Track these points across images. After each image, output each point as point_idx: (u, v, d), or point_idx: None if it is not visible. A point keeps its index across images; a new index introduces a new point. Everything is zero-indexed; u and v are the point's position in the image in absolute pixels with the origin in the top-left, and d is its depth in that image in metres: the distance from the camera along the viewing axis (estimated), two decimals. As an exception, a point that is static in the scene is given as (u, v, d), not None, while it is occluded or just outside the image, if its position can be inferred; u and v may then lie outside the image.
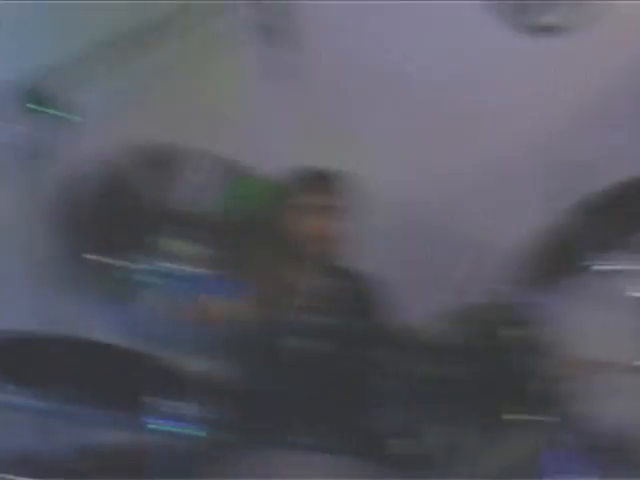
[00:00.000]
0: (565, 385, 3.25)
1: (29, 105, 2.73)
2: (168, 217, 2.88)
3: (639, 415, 3.29)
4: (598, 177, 3.42)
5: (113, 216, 2.92)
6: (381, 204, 4.06)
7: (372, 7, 4.16)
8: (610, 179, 3.76)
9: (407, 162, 4.15)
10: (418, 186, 4.14)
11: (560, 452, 3.40)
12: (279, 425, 2.73)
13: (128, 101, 3.92)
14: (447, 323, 2.76)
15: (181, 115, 3.98)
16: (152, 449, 2.75)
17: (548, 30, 4.23)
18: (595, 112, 4.24)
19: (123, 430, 3.69)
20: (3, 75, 3.34)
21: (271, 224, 3.55)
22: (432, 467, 2.59)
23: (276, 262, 3.32)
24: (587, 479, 3.27)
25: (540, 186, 3.56)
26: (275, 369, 2.77)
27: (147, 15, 3.30)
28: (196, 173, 2.89)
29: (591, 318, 4.17)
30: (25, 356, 2.98)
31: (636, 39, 4.25)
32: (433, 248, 4.16)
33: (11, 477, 3.07)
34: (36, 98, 2.75)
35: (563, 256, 3.48)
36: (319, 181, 3.68)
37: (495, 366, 2.81)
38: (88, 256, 2.81)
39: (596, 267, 3.20)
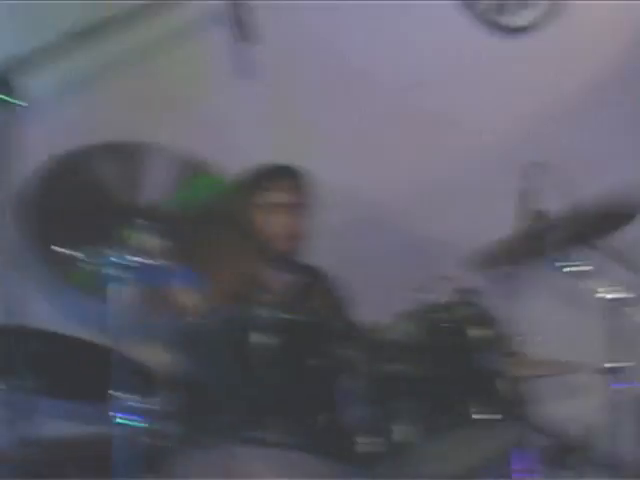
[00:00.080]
0: (530, 385, 3.28)
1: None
2: (131, 211, 2.85)
3: (606, 416, 3.31)
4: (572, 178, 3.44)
5: (75, 209, 2.90)
6: (339, 203, 4.08)
7: (343, 5, 4.15)
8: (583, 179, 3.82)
9: (369, 161, 4.16)
10: (380, 185, 4.15)
11: (525, 451, 3.44)
12: (242, 421, 2.72)
13: (91, 91, 3.91)
14: (410, 322, 2.76)
15: (143, 106, 3.97)
16: (118, 443, 2.73)
17: (521, 30, 4.25)
18: (567, 111, 4.28)
19: (89, 423, 3.71)
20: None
21: (231, 219, 3.54)
22: (398, 465, 2.59)
23: (238, 257, 3.32)
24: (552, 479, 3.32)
25: (508, 186, 3.57)
26: (238, 364, 2.76)
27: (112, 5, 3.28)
28: (157, 168, 2.87)
29: (559, 319, 4.23)
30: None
31: (605, 38, 4.29)
32: (393, 247, 4.19)
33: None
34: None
35: (529, 255, 3.51)
36: (285, 178, 3.69)
37: (459, 365, 2.82)
38: (54, 248, 2.79)
39: (564, 268, 3.21)
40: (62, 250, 2.80)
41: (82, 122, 3.88)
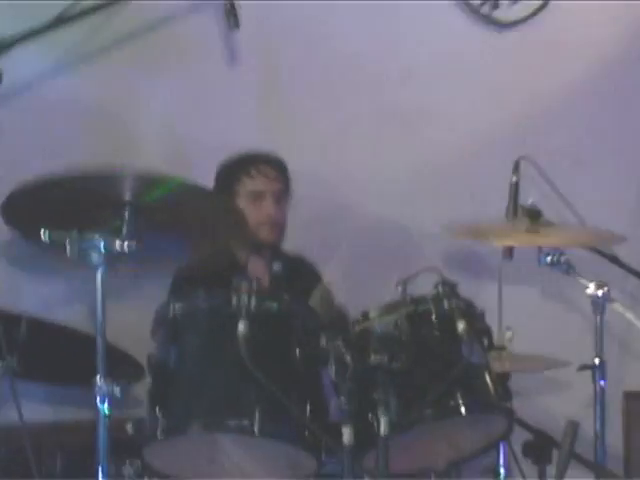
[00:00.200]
0: (515, 379, 3.29)
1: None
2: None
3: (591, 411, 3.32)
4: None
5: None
6: (323, 192, 4.08)
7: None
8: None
9: (355, 152, 4.15)
10: (365, 177, 4.15)
11: (505, 445, 3.45)
12: (225, 410, 2.72)
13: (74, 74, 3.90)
14: (394, 313, 2.76)
15: (129, 90, 3.97)
16: (101, 430, 2.73)
17: (515, 24, 4.24)
18: (559, 106, 4.27)
19: (73, 409, 3.71)
20: None
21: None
22: (382, 457, 2.59)
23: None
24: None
25: (498, 180, 3.57)
26: (221, 353, 2.75)
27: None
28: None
29: (547, 314, 4.23)
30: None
31: (598, 33, 4.28)
32: (379, 239, 4.19)
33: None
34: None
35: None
36: (267, 165, 3.68)
37: (444, 357, 2.82)
38: (43, 232, 2.78)
39: (553, 263, 3.21)
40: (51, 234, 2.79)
41: (63, 106, 3.86)
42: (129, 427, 2.85)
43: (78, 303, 3.75)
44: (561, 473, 3.12)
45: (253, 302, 2.70)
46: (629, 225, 4.01)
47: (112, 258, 2.76)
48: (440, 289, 2.85)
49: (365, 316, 2.77)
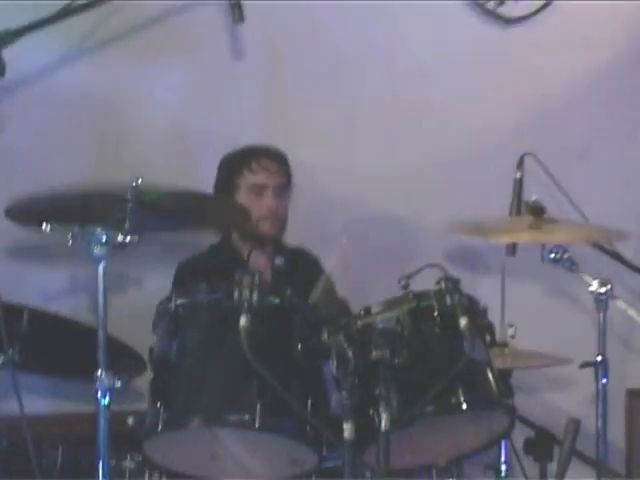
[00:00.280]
0: (517, 376, 3.28)
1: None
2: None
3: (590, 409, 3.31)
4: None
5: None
6: (327, 187, 4.08)
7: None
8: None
9: (358, 147, 4.15)
10: (369, 171, 4.14)
11: (507, 442, 3.45)
12: (226, 404, 2.72)
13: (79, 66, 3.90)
14: (397, 309, 2.75)
15: (133, 83, 3.96)
16: (101, 423, 2.73)
17: (520, 20, 4.23)
18: (565, 101, 4.27)
19: (74, 402, 3.72)
20: None
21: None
22: (383, 452, 2.59)
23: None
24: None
25: (503, 175, 3.56)
26: (223, 347, 2.75)
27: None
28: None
29: (550, 311, 4.22)
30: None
31: (603, 28, 4.27)
32: (382, 234, 4.18)
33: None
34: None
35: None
36: (269, 159, 3.68)
37: (446, 353, 2.81)
38: (44, 225, 2.78)
39: (557, 260, 3.20)
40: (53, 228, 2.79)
41: (67, 98, 3.86)
42: (130, 421, 2.85)
43: (80, 295, 3.76)
44: (562, 470, 3.12)
45: (255, 296, 2.69)
46: (633, 222, 3.99)
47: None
48: (443, 285, 2.84)
49: (367, 311, 2.76)
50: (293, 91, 4.08)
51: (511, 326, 3.54)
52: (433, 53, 4.15)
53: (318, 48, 4.07)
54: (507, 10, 4.22)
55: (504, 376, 2.93)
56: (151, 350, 2.84)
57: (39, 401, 3.71)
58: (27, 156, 3.80)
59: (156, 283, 3.78)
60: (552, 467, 3.36)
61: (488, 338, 2.91)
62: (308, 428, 2.72)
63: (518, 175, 3.50)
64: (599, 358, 3.27)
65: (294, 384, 2.72)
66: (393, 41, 4.13)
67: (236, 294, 2.70)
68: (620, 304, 3.22)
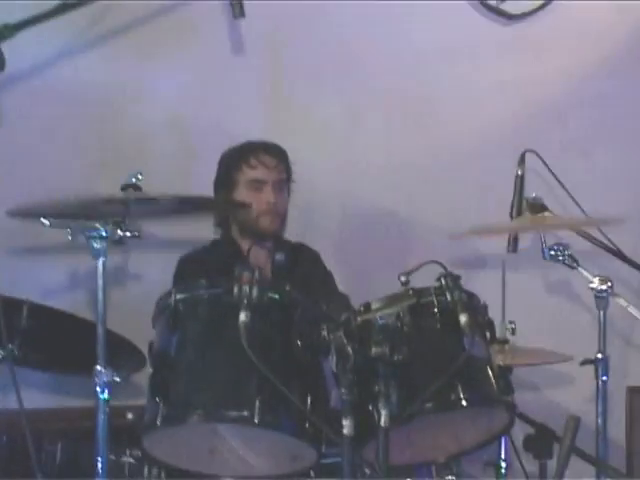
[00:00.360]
0: (517, 373, 3.28)
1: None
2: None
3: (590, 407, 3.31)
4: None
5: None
6: (327, 184, 4.08)
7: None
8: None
9: (359, 143, 4.14)
10: (370, 168, 4.14)
11: (507, 439, 3.45)
12: (225, 400, 2.71)
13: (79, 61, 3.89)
14: (397, 305, 2.75)
15: (133, 76, 3.96)
16: (101, 418, 2.73)
17: (522, 16, 4.23)
18: (566, 98, 4.26)
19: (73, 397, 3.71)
20: None
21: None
22: (382, 449, 2.58)
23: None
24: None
25: (504, 172, 3.55)
26: (222, 343, 2.74)
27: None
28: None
29: (550, 308, 4.22)
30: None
31: (606, 26, 4.27)
32: (382, 231, 4.18)
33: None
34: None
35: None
36: (268, 155, 3.68)
37: (446, 350, 2.81)
38: (42, 220, 2.78)
39: (557, 257, 3.20)
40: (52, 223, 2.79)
41: (67, 92, 3.86)
42: (129, 415, 2.85)
43: (80, 290, 3.76)
44: (562, 468, 3.11)
45: (254, 292, 2.69)
46: (634, 220, 3.98)
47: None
48: (443, 281, 2.83)
49: (367, 308, 2.75)
50: (294, 86, 4.07)
51: (511, 323, 3.54)
52: (435, 49, 4.15)
53: (319, 43, 4.06)
54: (509, 6, 4.22)
55: (504, 373, 2.92)
56: (150, 345, 2.83)
57: (38, 396, 3.72)
58: (27, 151, 3.80)
59: (155, 278, 3.78)
60: (552, 464, 3.35)
61: (488, 335, 2.90)
62: (307, 424, 2.71)
63: (519, 172, 3.49)
64: (599, 355, 3.28)
65: (293, 380, 2.71)
66: (394, 36, 4.13)
67: (236, 290, 2.70)
68: (620, 301, 3.21)
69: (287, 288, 2.79)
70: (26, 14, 2.83)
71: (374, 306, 2.76)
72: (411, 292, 2.79)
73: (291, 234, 3.80)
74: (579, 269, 3.20)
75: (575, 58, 4.24)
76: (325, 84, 4.09)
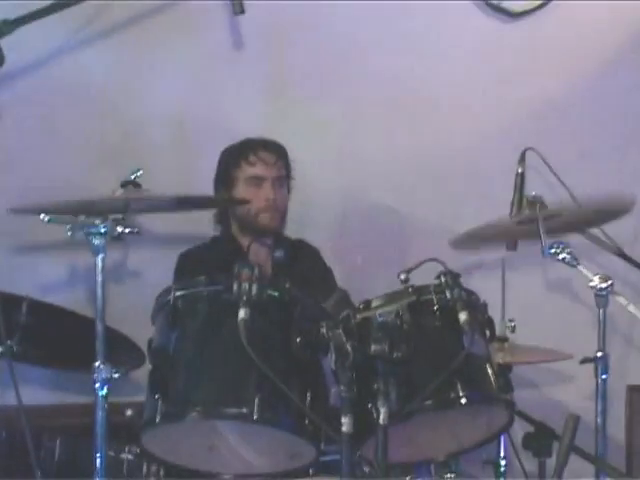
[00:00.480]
0: (517, 371, 3.27)
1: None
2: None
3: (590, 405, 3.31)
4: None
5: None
6: (328, 181, 4.07)
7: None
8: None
9: (360, 141, 4.14)
10: (370, 165, 4.13)
11: (506, 437, 3.44)
12: (224, 397, 2.71)
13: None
14: (397, 303, 2.74)
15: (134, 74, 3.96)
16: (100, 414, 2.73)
17: (524, 14, 4.23)
18: (567, 97, 4.26)
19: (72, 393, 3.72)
20: None
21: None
22: (382, 447, 2.58)
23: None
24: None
25: (504, 171, 3.55)
26: (222, 340, 2.74)
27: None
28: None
29: (549, 306, 4.22)
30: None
31: (607, 25, 4.26)
32: (383, 228, 4.17)
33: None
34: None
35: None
36: (267, 151, 3.68)
37: (446, 348, 2.81)
38: (42, 216, 2.78)
39: (557, 255, 3.19)
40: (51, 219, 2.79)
41: (68, 88, 3.86)
42: (128, 412, 2.84)
43: (79, 287, 3.76)
44: (561, 466, 3.11)
45: (254, 289, 2.68)
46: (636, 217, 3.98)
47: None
48: (443, 279, 2.83)
49: (367, 305, 2.76)
50: (294, 83, 4.07)
51: (511, 321, 3.54)
52: (435, 46, 4.14)
53: (319, 40, 4.06)
54: (511, 4, 4.21)
55: (504, 371, 2.92)
56: (150, 342, 2.83)
57: (38, 392, 3.72)
58: (26, 147, 3.80)
59: (155, 275, 3.78)
60: (551, 463, 3.35)
61: (488, 333, 2.90)
62: (306, 422, 2.71)
63: (520, 170, 3.49)
64: (599, 354, 3.27)
65: (293, 377, 2.71)
66: (395, 34, 4.12)
67: (235, 287, 2.69)
68: (620, 300, 3.21)
69: (287, 285, 2.79)
70: (25, 10, 2.83)
71: (374, 303, 2.76)
72: (411, 290, 2.79)
73: (291, 231, 3.80)
74: (579, 267, 3.19)
75: (576, 56, 4.24)
76: (325, 81, 4.08)
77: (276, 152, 3.69)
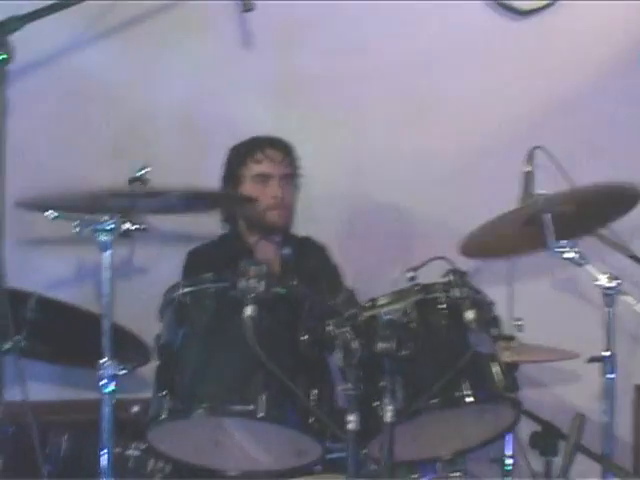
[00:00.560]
0: (523, 370, 3.27)
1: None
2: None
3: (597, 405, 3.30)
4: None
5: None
6: (337, 180, 4.07)
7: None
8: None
9: (369, 140, 4.14)
10: (380, 164, 4.13)
11: (512, 436, 3.44)
12: (230, 394, 2.71)
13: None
14: (404, 301, 2.74)
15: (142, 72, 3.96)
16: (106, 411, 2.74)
17: (531, 13, 4.22)
18: (577, 95, 4.25)
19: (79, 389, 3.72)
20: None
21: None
22: (387, 445, 2.58)
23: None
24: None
25: (512, 169, 3.54)
26: (228, 337, 2.74)
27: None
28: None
29: (556, 305, 4.21)
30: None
31: (617, 23, 4.25)
32: (391, 227, 4.17)
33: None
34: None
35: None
36: (275, 149, 3.68)
37: (452, 346, 2.80)
38: (47, 213, 2.79)
39: (563, 254, 3.18)
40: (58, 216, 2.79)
41: (77, 84, 3.87)
42: (135, 408, 2.84)
43: (87, 283, 3.77)
44: (567, 465, 3.11)
45: (261, 286, 2.68)
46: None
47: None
48: (450, 278, 2.83)
49: (373, 303, 2.76)
50: (302, 81, 4.07)
51: (518, 320, 3.53)
52: (445, 45, 4.15)
53: (328, 38, 4.06)
54: (520, 2, 4.21)
55: (510, 370, 2.92)
56: (157, 338, 2.83)
57: (45, 388, 3.73)
58: (36, 142, 3.80)
59: (162, 271, 3.79)
60: (558, 462, 3.35)
61: (495, 331, 2.90)
62: (312, 419, 2.71)
63: (528, 168, 3.48)
64: (606, 353, 3.26)
65: (299, 375, 2.71)
66: (404, 32, 4.12)
67: (242, 284, 2.69)
68: (628, 299, 3.20)
69: (293, 283, 2.79)
70: (35, 6, 2.83)
71: (380, 301, 2.76)
72: (418, 288, 2.79)
73: (298, 229, 3.80)
74: (586, 266, 3.19)
75: (585, 54, 4.24)
76: (333, 79, 4.08)
77: (283, 150, 3.69)
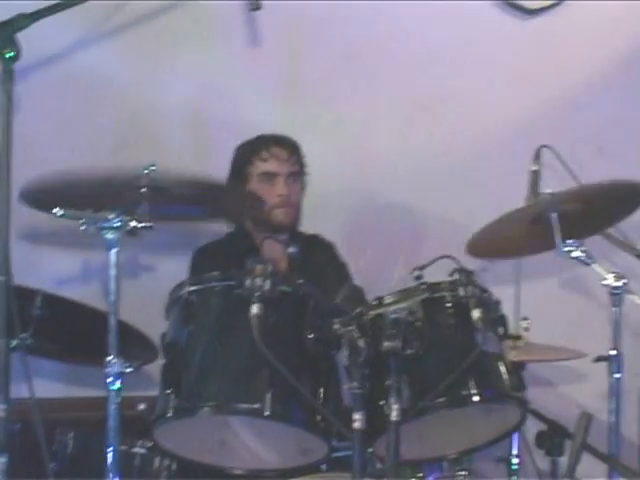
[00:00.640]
0: (530, 369, 3.27)
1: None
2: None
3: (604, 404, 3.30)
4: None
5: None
6: (344, 178, 4.07)
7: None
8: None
9: (375, 138, 4.13)
10: (386, 163, 4.13)
11: (519, 435, 3.44)
12: (236, 392, 2.71)
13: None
14: (410, 300, 2.74)
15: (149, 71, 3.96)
16: (112, 408, 2.74)
17: (539, 11, 4.22)
18: (583, 94, 4.24)
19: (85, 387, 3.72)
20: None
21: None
22: (394, 444, 2.58)
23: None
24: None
25: (519, 168, 3.54)
26: (234, 335, 2.74)
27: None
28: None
29: (563, 304, 4.20)
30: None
31: (624, 22, 4.25)
32: (398, 226, 4.17)
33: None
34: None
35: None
36: (281, 148, 3.68)
37: (459, 345, 2.80)
38: (55, 211, 2.79)
39: (570, 253, 3.18)
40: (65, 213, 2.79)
41: (84, 83, 3.87)
42: (141, 406, 2.84)
43: (93, 281, 3.77)
44: (573, 465, 3.11)
45: (267, 285, 2.68)
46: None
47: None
48: (456, 276, 2.82)
49: (380, 302, 2.75)
50: (310, 80, 4.07)
51: (525, 319, 3.53)
52: (451, 44, 4.14)
53: (335, 37, 4.06)
54: (527, 2, 4.20)
55: (517, 369, 2.91)
56: (163, 336, 2.83)
57: (51, 385, 3.73)
58: (43, 140, 3.81)
59: (168, 269, 3.79)
60: (564, 461, 3.35)
61: (501, 331, 2.89)
62: (318, 418, 2.71)
63: (534, 167, 3.48)
64: (613, 352, 3.26)
65: (305, 373, 2.71)
66: (412, 31, 4.12)
67: (248, 282, 2.69)
68: (635, 299, 3.20)
69: (299, 281, 2.79)
70: (41, 5, 2.83)
71: (387, 300, 2.75)
72: (424, 287, 2.79)
73: (305, 227, 3.80)
74: (593, 265, 3.18)
75: (592, 53, 4.23)
76: (341, 77, 4.08)
77: (289, 148, 3.69)
